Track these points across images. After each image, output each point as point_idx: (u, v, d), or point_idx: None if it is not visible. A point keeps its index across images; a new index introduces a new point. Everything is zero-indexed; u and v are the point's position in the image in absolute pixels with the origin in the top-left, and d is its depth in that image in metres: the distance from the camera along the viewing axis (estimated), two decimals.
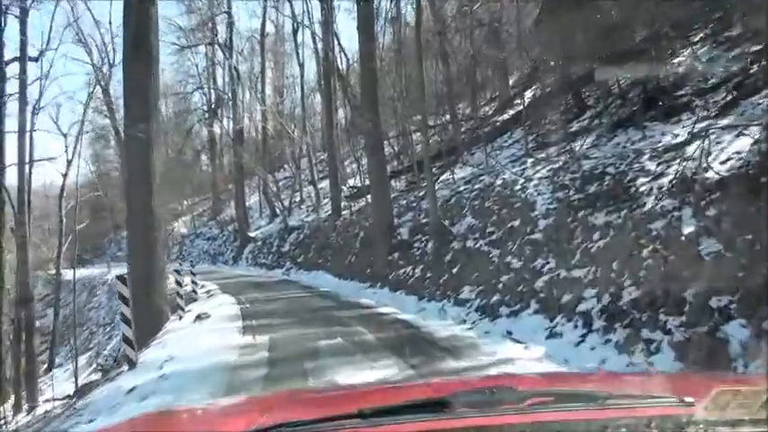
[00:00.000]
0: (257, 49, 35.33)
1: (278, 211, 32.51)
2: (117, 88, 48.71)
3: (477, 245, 11.66)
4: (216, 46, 33.23)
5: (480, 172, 15.53)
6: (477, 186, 14.36)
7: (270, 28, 37.72)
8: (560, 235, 9.32)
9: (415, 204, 16.88)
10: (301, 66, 29.64)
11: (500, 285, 9.74)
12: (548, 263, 9.04)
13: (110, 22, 41.23)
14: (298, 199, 32.62)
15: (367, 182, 21.90)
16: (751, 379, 2.24)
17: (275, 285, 18.59)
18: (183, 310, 11.62)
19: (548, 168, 12.20)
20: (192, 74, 36.54)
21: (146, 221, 11.54)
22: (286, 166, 38.99)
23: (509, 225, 11.10)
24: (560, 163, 12.03)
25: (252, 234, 31.21)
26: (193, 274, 20.01)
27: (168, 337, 9.60)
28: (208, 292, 17.65)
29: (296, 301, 13.51)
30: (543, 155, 13.60)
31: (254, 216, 35.21)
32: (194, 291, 16.63)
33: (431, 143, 23.36)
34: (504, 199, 12.24)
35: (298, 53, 30.10)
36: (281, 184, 34.94)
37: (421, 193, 17.43)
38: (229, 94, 31.62)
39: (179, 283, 16.77)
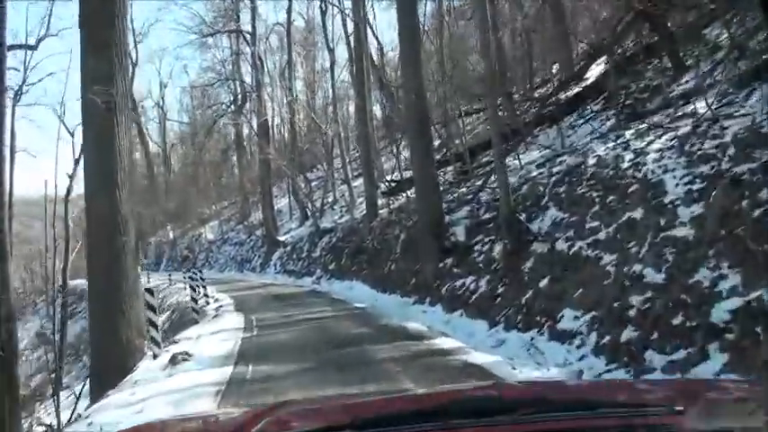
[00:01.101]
0: (285, 42, 32.13)
1: (309, 213, 29.22)
2: (136, 88, 46.26)
3: (575, 247, 8.00)
4: (239, 36, 30.12)
5: (555, 153, 11.89)
6: (557, 170, 10.69)
7: (300, 22, 34.69)
8: (731, 226, 5.64)
9: (470, 197, 13.26)
10: (331, 51, 26.36)
11: (630, 311, 6.07)
12: (721, 276, 5.35)
13: (131, 20, 38.54)
14: (330, 199, 29.27)
15: (408, 174, 18.35)
16: (740, 386, 1.90)
17: (300, 299, 15.18)
18: (158, 346, 8.19)
19: (667, 137, 8.47)
20: (217, 69, 33.55)
21: (109, 222, 8.24)
22: (318, 166, 35.86)
23: (624, 217, 7.43)
24: (687, 128, 8.28)
25: (281, 238, 27.95)
26: (204, 287, 16.76)
27: (117, 399, 6.19)
28: (218, 308, 14.34)
29: (320, 327, 10.03)
30: (644, 125, 9.86)
31: (283, 219, 31.99)
32: (196, 310, 13.31)
33: (479, 130, 19.80)
34: (606, 182, 8.55)
35: (327, 36, 26.77)
36: (313, 184, 31.68)
37: (478, 183, 13.82)
38: (254, 86, 28.43)
39: (194, 300, 13.68)
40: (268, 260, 27.68)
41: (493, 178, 13.40)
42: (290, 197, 32.10)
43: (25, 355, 30.79)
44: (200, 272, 18.80)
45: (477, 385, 2.82)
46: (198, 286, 16.02)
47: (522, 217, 9.55)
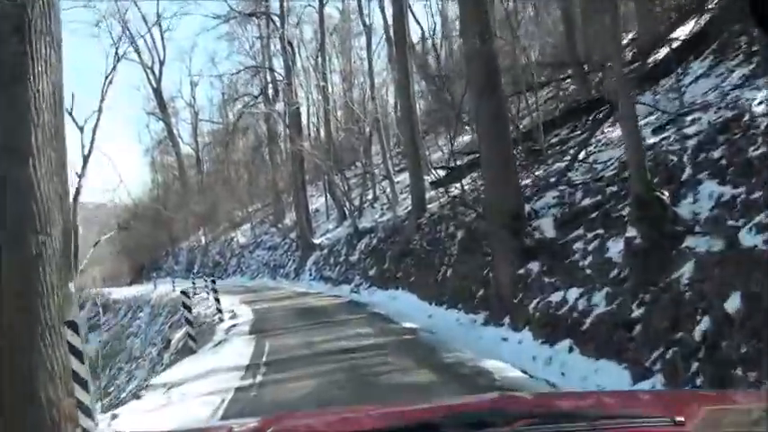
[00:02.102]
0: (317, 28, 29.02)
1: (347, 212, 26.08)
2: (170, 88, 43.72)
3: None
4: (268, 22, 27.18)
5: (675, 112, 8.41)
6: (692, 131, 7.24)
7: (334, 12, 31.60)
8: None
9: (554, 180, 9.81)
10: (367, 27, 23.12)
11: None
12: None
13: (158, 15, 36.11)
14: (370, 197, 26.08)
15: (458, 163, 15.01)
16: (740, 396, 1.98)
17: (334, 314, 11.98)
18: (90, 416, 5.05)
19: None
20: (245, 60, 30.70)
21: (18, 212, 5.11)
22: (357, 163, 32.72)
23: None
24: None
25: (316, 241, 24.86)
26: (217, 300, 13.74)
27: None
28: (231, 328, 11.25)
29: (357, 366, 6.82)
30: None
31: (319, 220, 28.93)
32: (192, 336, 10.24)
33: (551, 104, 16.07)
34: None
35: (361, 11, 23.58)
36: (351, 182, 28.57)
37: (562, 163, 10.38)
38: (284, 73, 25.40)
39: (189, 323, 10.68)
40: (302, 265, 24.61)
41: (582, 155, 9.95)
42: (326, 195, 29.03)
43: None
44: (213, 281, 15.73)
45: (479, 397, 2.59)
46: (205, 298, 12.98)
47: (666, 197, 6.07)
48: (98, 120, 21.55)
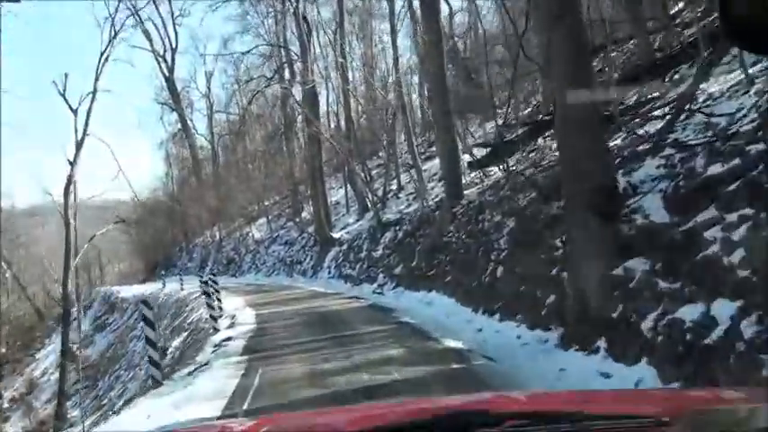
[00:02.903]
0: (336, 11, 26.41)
1: (368, 203, 23.59)
2: (185, 80, 41.44)
3: None
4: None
5: None
6: None
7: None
8: None
9: (650, 146, 7.16)
10: None
11: None
12: None
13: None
14: (394, 187, 23.55)
15: (514, 134, 12.41)
16: (726, 395, 1.86)
17: (354, 324, 9.46)
18: None
19: None
20: (259, 40, 28.20)
21: None
22: (380, 153, 30.17)
23: None
24: None
25: (335, 235, 22.39)
26: (211, 307, 11.34)
27: None
28: (222, 343, 8.79)
29: None
30: None
31: (340, 213, 26.46)
32: (157, 364, 7.83)
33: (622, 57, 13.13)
34: None
35: None
36: (373, 173, 26.03)
37: (655, 123, 7.74)
38: (299, 51, 22.86)
39: (153, 345, 8.32)
40: (320, 262, 22.15)
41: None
42: (346, 187, 26.54)
43: (48, 375, 26.45)
44: (214, 280, 13.36)
45: (468, 397, 2.55)
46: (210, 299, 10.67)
47: None
48: (92, 101, 19.34)
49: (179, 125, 39.36)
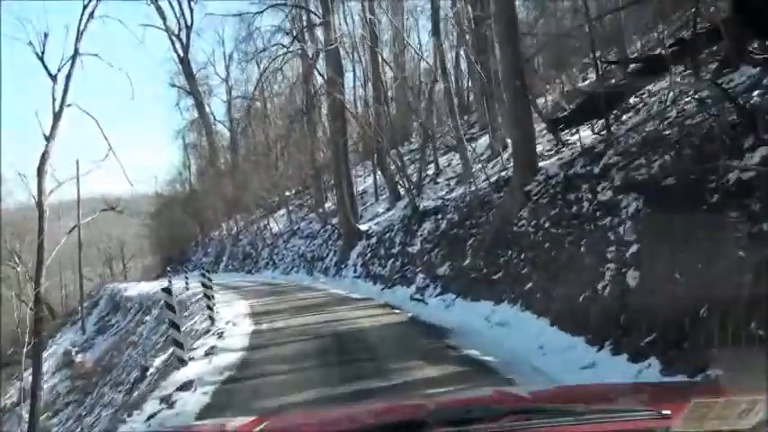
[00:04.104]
0: None
1: (402, 190, 19.94)
2: (196, 53, 38.02)
3: None
4: None
5: None
6: None
7: None
8: None
9: None
10: None
11: None
12: None
13: None
14: (431, 172, 19.83)
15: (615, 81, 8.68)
16: (726, 388, 1.73)
17: (387, 363, 5.74)
18: None
19: None
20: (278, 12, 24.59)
21: None
22: (411, 139, 26.44)
23: None
24: None
25: (363, 227, 18.77)
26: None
27: None
28: (176, 391, 5.14)
29: None
30: None
31: (367, 202, 22.82)
32: None
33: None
34: None
35: None
36: (405, 158, 22.30)
37: None
38: (320, 11, 19.20)
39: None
40: (345, 258, 18.55)
41: None
42: (374, 173, 22.87)
43: (42, 383, 23.27)
44: (209, 278, 9.90)
45: (468, 393, 2.54)
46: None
47: None
48: (72, 65, 15.85)
49: (196, 112, 36.10)
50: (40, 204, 14.49)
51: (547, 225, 8.10)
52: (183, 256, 35.05)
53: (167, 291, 7.20)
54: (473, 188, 13.55)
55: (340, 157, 18.92)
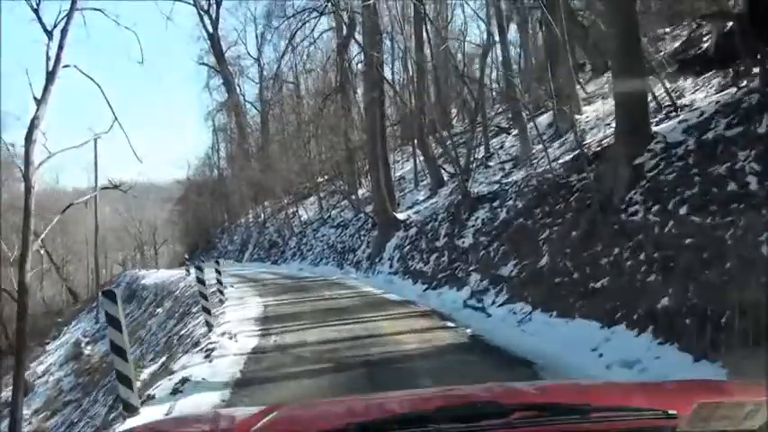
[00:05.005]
0: None
1: (446, 176, 17.34)
2: (228, 31, 35.83)
3: None
4: None
5: None
6: None
7: None
8: None
9: None
10: None
11: None
12: None
13: None
14: (480, 155, 17.07)
15: None
16: (732, 387, 1.83)
17: None
18: None
19: None
20: None
21: None
22: (454, 121, 23.68)
23: None
24: None
25: (400, 216, 16.20)
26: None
27: None
28: None
29: None
30: None
31: (405, 189, 20.25)
32: None
33: None
34: None
35: None
36: (447, 144, 19.57)
37: None
38: None
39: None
40: (380, 251, 16.01)
41: None
42: (414, 157, 20.23)
43: (48, 375, 21.38)
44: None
45: (475, 387, 2.23)
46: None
47: None
48: (69, 19, 13.61)
49: (226, 92, 33.93)
50: (26, 177, 12.22)
51: (683, 211, 5.41)
52: (208, 244, 33.01)
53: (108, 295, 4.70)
54: (539, 169, 10.91)
55: (376, 132, 16.32)
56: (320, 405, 1.95)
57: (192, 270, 20.02)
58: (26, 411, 19.21)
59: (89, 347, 20.61)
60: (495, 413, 1.24)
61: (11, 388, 21.16)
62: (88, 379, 17.15)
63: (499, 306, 7.89)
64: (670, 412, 1.23)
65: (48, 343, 24.92)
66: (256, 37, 32.72)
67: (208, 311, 7.78)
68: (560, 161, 10.43)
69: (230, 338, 6.61)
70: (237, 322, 8.26)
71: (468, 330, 6.72)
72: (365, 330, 7.15)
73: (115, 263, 49.83)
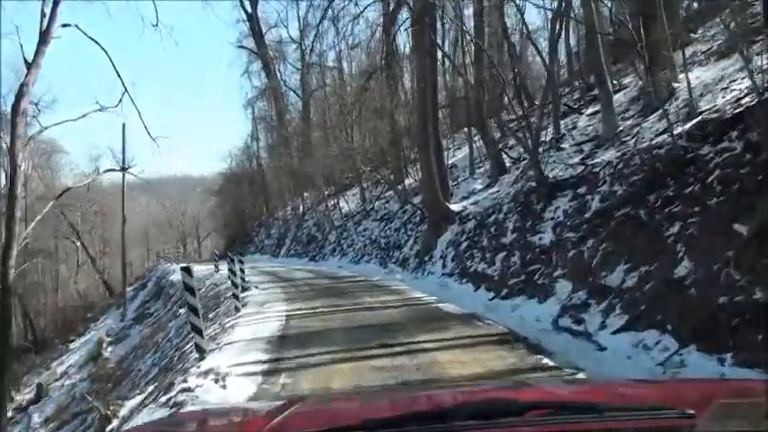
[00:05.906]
0: None
1: (507, 163, 14.81)
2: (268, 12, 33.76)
3: None
4: None
5: None
6: None
7: None
8: None
9: None
10: None
11: None
12: None
13: None
14: (548, 137, 14.40)
15: None
16: (750, 387, 1.70)
17: None
18: None
19: None
20: None
21: None
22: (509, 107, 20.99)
23: None
24: None
25: (455, 207, 13.75)
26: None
27: None
28: None
29: None
30: None
31: (459, 177, 17.74)
32: None
33: None
34: None
35: None
36: (513, 123, 16.92)
37: None
38: None
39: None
40: (430, 247, 13.59)
41: None
42: (470, 142, 17.65)
43: (64, 378, 19.75)
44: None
45: (490, 384, 2.41)
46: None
47: None
48: None
49: (266, 78, 31.99)
50: (12, 154, 10.35)
51: None
52: (245, 237, 31.18)
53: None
54: (643, 145, 8.31)
55: (427, 110, 13.86)
56: (337, 400, 1.96)
57: (222, 266, 18.09)
58: (38, 419, 17.72)
59: (110, 348, 18.89)
60: (511, 411, 1.21)
61: (27, 390, 19.72)
62: (102, 386, 15.37)
63: (615, 333, 5.38)
64: (688, 412, 1.18)
65: (73, 341, 23.44)
66: (298, 19, 30.64)
67: (200, 333, 5.54)
68: (667, 135, 7.80)
69: (216, 381, 4.33)
70: (243, 345, 6.02)
71: (582, 376, 4.28)
72: (419, 365, 4.79)
73: (157, 255, 48.88)
